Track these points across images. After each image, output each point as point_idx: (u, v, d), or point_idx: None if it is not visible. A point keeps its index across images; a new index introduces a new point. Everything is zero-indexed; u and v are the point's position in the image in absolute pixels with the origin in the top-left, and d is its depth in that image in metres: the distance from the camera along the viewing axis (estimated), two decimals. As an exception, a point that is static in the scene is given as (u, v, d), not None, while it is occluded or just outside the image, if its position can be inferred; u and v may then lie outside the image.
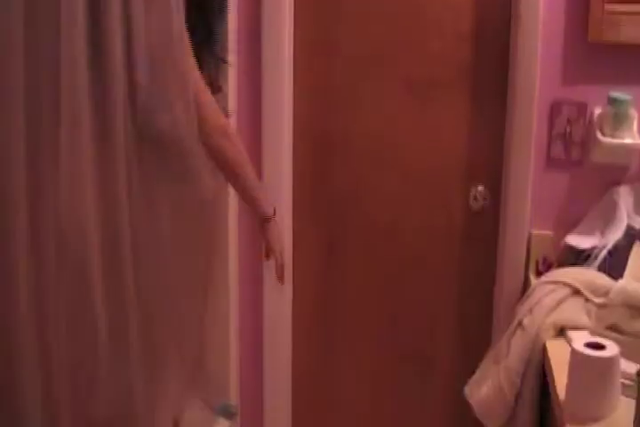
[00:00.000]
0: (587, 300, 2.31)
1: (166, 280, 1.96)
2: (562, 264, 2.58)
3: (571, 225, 2.68)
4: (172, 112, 1.88)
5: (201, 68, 2.06)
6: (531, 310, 2.33)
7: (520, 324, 2.33)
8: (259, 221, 2.37)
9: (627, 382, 1.92)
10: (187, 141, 1.93)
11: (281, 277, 2.45)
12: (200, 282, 2.15)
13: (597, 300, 2.30)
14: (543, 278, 2.45)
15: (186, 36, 1.91)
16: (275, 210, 2.38)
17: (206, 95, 2.07)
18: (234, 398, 3.01)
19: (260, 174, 2.88)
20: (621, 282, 2.31)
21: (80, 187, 1.74)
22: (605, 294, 2.30)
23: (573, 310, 2.29)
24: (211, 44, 2.25)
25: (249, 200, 2.35)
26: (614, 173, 2.67)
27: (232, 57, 2.67)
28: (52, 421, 1.79)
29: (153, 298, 1.92)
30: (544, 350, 2.24)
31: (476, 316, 2.94)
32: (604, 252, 2.48)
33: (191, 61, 1.96)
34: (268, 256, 2.43)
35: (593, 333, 2.21)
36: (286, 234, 2.94)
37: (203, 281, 2.17)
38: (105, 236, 1.79)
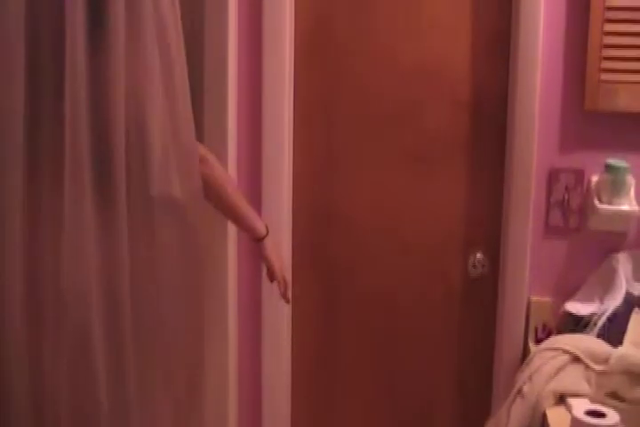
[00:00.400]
0: (586, 367, 2.29)
1: (164, 333, 1.97)
2: (561, 331, 2.57)
3: (570, 292, 2.68)
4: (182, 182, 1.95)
5: None
6: (530, 378, 2.31)
7: (520, 391, 2.31)
8: (254, 240, 2.41)
9: (628, 450, 1.90)
10: (190, 208, 1.97)
11: (284, 295, 2.46)
12: (197, 328, 2.16)
13: (597, 367, 2.28)
14: (543, 345, 2.44)
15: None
16: (267, 228, 2.42)
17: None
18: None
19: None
20: (621, 349, 2.30)
21: (82, 251, 1.75)
22: (605, 361, 2.28)
23: (573, 378, 2.27)
24: None
25: (240, 221, 2.41)
26: (613, 240, 2.67)
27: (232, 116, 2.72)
28: None
29: (151, 351, 1.93)
30: (544, 417, 2.22)
31: (476, 383, 2.91)
32: (604, 318, 2.47)
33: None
34: (271, 278, 2.44)
35: (593, 400, 2.19)
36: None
37: (200, 326, 2.18)
38: (106, 298, 1.79)
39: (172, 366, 2.01)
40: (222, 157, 2.66)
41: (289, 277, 2.49)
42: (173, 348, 2.00)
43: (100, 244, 1.79)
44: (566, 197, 2.70)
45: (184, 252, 2.02)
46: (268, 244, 2.42)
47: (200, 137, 2.33)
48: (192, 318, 2.10)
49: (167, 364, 1.98)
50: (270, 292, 2.87)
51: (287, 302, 2.49)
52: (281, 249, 2.84)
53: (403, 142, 2.87)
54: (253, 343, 2.95)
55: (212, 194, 2.24)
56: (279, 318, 2.94)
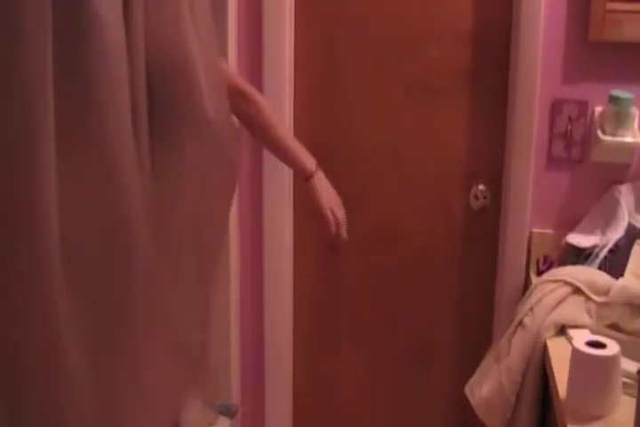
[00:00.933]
0: (587, 298, 2.31)
1: (179, 261, 1.95)
2: (563, 263, 2.58)
3: (571, 224, 2.68)
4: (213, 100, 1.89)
5: None
6: (531, 309, 2.33)
7: (521, 323, 2.33)
8: (302, 179, 2.29)
9: (627, 380, 1.92)
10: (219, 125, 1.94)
11: (339, 236, 2.31)
12: (208, 269, 2.13)
13: (598, 298, 2.30)
14: (544, 277, 2.45)
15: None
16: (316, 164, 2.29)
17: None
18: (235, 398, 3.01)
19: (260, 177, 2.88)
20: (622, 280, 2.31)
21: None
22: (606, 292, 2.30)
23: (574, 309, 2.29)
24: None
25: (285, 158, 2.30)
26: (615, 172, 2.67)
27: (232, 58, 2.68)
28: None
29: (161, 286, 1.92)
30: (545, 348, 2.24)
31: (477, 315, 2.94)
32: (605, 250, 2.48)
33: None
34: (324, 223, 2.27)
35: (593, 331, 2.21)
36: (286, 234, 2.95)
37: (210, 268, 2.13)
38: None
39: (178, 303, 2.00)
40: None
41: (342, 215, 2.33)
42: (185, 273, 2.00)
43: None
44: (569, 128, 2.69)
45: (214, 171, 1.98)
46: (317, 182, 2.28)
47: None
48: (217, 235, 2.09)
49: (173, 300, 1.98)
50: (271, 226, 2.89)
51: (344, 240, 2.35)
52: (282, 184, 2.85)
53: (405, 73, 2.85)
54: (255, 282, 2.98)
55: (256, 129, 2.21)
56: (280, 253, 2.97)
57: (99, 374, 1.73)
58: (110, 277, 1.73)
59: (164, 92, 1.81)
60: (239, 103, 2.16)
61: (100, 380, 1.74)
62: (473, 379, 2.46)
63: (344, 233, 2.32)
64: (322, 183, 2.30)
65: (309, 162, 2.29)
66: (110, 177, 1.68)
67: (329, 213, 2.28)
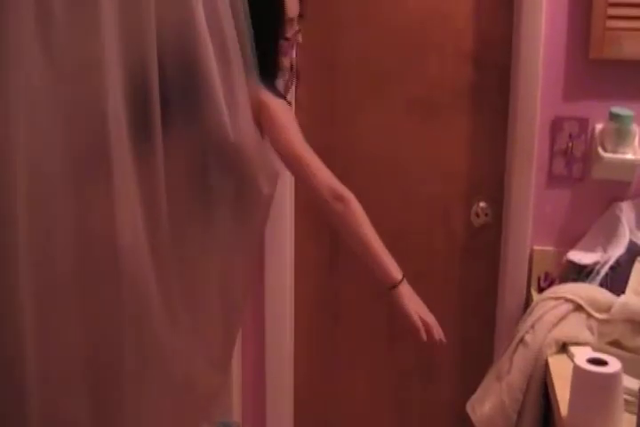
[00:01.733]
0: (589, 316, 2.30)
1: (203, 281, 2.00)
2: (564, 280, 2.57)
3: (572, 241, 2.68)
4: (240, 115, 1.93)
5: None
6: (533, 326, 2.32)
7: (522, 340, 2.32)
8: (386, 287, 2.23)
9: (629, 398, 1.91)
10: (248, 150, 1.97)
11: (434, 339, 2.26)
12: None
13: (599, 316, 2.29)
14: (545, 294, 2.45)
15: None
16: (403, 275, 2.24)
17: (312, 158, 2.14)
18: (236, 416, 3.00)
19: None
20: (623, 297, 2.31)
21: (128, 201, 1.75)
22: (607, 309, 2.29)
23: (575, 326, 2.29)
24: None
25: (372, 263, 2.23)
26: (616, 189, 2.67)
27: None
28: None
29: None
30: (546, 366, 2.23)
31: (478, 332, 2.93)
32: (606, 267, 2.48)
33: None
34: (416, 334, 2.22)
35: (595, 348, 2.20)
36: (287, 249, 2.95)
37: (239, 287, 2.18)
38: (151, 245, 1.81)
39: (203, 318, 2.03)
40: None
41: (432, 320, 2.26)
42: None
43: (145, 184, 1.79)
44: (570, 145, 2.69)
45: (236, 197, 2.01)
46: (403, 291, 2.22)
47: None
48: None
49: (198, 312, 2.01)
50: (273, 241, 2.88)
51: (442, 342, 2.28)
52: (284, 197, 2.85)
53: (406, 90, 2.86)
54: (256, 300, 2.98)
55: (346, 235, 2.22)
56: (281, 270, 2.96)
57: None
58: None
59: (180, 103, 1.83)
60: (336, 207, 2.17)
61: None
62: (474, 396, 2.45)
63: (441, 335, 2.28)
64: (407, 291, 2.24)
65: (396, 270, 2.24)
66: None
67: (418, 321, 2.23)
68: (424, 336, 2.22)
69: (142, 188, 1.78)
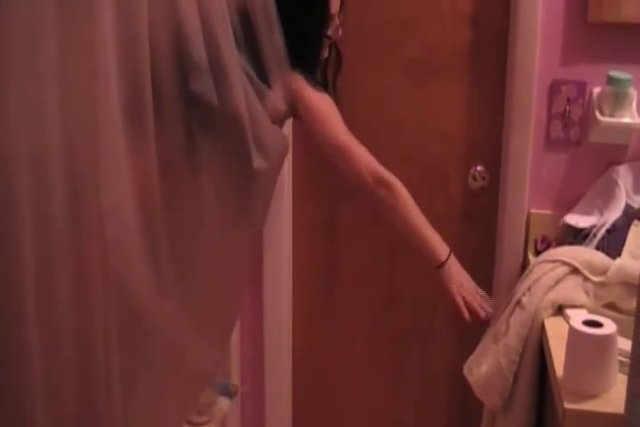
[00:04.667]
0: (585, 279, 2.31)
1: (205, 252, 1.98)
2: (560, 243, 2.59)
3: (569, 204, 2.69)
4: (229, 84, 1.93)
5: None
6: (529, 289, 2.34)
7: (519, 302, 2.34)
8: (433, 266, 2.28)
9: (624, 359, 1.93)
10: (239, 120, 1.96)
11: (479, 317, 2.32)
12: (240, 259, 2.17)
13: (595, 279, 2.31)
14: (542, 257, 2.46)
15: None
16: (449, 251, 2.29)
17: (356, 147, 2.21)
18: (234, 378, 3.02)
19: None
20: (619, 260, 2.32)
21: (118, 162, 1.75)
22: (603, 272, 2.31)
23: (571, 289, 2.30)
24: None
25: (419, 246, 2.28)
26: (613, 153, 2.67)
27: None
28: None
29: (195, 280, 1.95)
30: (542, 328, 2.25)
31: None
32: (603, 231, 2.49)
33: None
34: (463, 309, 2.28)
35: (591, 311, 2.22)
36: (285, 210, 2.96)
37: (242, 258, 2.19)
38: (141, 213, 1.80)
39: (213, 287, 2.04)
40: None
41: (473, 298, 2.31)
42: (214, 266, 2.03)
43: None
44: (568, 109, 2.69)
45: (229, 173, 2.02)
46: (450, 269, 2.28)
47: None
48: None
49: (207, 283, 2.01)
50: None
51: (489, 315, 2.34)
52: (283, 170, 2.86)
53: (403, 53, 2.85)
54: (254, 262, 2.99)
55: (392, 219, 2.24)
56: (280, 234, 2.97)
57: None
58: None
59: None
60: (380, 193, 2.21)
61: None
62: (471, 358, 2.47)
63: (485, 308, 2.32)
64: (453, 267, 2.29)
65: (442, 248, 2.28)
66: None
67: (460, 303, 2.28)
68: (467, 317, 2.29)
69: (135, 163, 1.77)
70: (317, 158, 2.93)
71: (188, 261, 1.97)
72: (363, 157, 2.22)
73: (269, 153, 2.07)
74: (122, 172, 1.73)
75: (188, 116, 1.92)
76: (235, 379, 3.02)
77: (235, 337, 2.98)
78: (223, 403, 2.92)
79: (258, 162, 2.02)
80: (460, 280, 2.30)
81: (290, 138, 2.91)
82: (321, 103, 2.22)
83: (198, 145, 1.95)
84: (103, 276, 1.71)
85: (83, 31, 1.63)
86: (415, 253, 2.32)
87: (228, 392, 2.93)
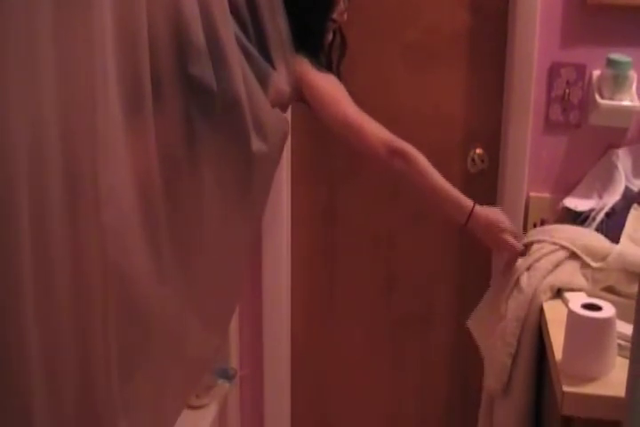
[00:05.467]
0: (584, 264, 2.31)
1: (205, 239, 1.97)
2: (560, 227, 2.59)
3: (569, 187, 2.69)
4: (228, 69, 1.91)
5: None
6: (529, 269, 2.32)
7: (517, 284, 2.33)
8: (461, 218, 2.28)
9: (622, 342, 1.93)
10: (238, 104, 1.94)
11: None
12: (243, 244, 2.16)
13: (594, 264, 2.30)
14: (541, 234, 2.42)
15: None
16: (473, 203, 2.28)
17: (367, 121, 2.20)
18: (233, 361, 3.03)
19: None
20: (619, 247, 2.31)
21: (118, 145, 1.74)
22: (603, 258, 2.30)
23: (570, 273, 2.30)
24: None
25: (444, 201, 2.28)
26: (613, 136, 2.67)
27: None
28: None
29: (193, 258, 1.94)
30: (541, 311, 2.25)
31: (475, 278, 2.95)
32: (602, 214, 2.49)
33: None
34: (516, 245, 2.31)
35: (589, 294, 2.22)
36: (284, 197, 2.95)
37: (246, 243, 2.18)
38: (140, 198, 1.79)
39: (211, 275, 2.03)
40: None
41: (511, 236, 2.32)
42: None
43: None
44: (567, 92, 2.68)
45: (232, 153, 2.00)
46: (481, 214, 2.27)
47: None
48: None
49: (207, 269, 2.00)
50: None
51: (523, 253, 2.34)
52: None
53: (402, 37, 2.83)
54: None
55: (411, 186, 2.26)
56: (278, 219, 2.97)
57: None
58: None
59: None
60: (395, 164, 2.20)
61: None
62: (474, 313, 2.48)
63: (520, 246, 2.35)
64: (481, 218, 2.29)
65: (466, 198, 2.28)
66: None
67: (508, 238, 2.32)
68: (520, 248, 2.32)
69: (134, 150, 1.77)
70: (316, 143, 2.95)
71: (188, 249, 1.97)
72: (374, 130, 2.21)
73: (268, 136, 2.06)
74: (120, 159, 1.72)
75: (188, 102, 1.91)
76: (234, 363, 3.03)
77: (234, 322, 2.98)
78: (222, 386, 2.92)
79: (257, 145, 2.02)
80: (497, 217, 2.31)
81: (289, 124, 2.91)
82: (326, 84, 2.21)
83: (198, 131, 1.93)
84: (101, 263, 1.71)
85: (81, 20, 1.61)
86: (440, 214, 2.35)
87: (227, 376, 2.94)
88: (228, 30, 1.95)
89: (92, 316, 1.71)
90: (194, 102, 1.91)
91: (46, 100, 1.55)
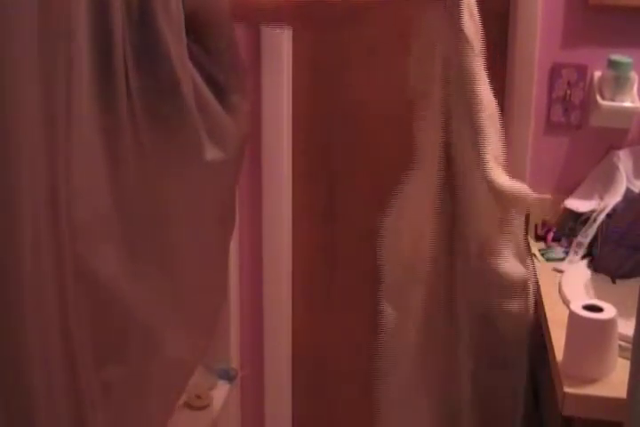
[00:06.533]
0: None
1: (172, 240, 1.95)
2: (561, 228, 2.59)
3: (570, 189, 2.69)
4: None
5: None
6: None
7: None
8: None
9: (624, 344, 1.93)
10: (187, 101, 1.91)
11: None
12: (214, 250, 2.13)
13: None
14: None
15: None
16: None
17: None
18: (234, 362, 3.03)
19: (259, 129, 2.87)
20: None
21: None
22: None
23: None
24: None
25: None
26: (614, 137, 2.66)
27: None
28: None
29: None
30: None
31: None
32: (603, 215, 2.49)
33: None
34: None
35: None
36: (284, 198, 2.95)
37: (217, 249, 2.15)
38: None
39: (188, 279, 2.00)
40: None
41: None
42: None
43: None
44: (568, 92, 2.68)
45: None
46: None
47: None
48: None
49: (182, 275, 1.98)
50: (270, 191, 2.89)
51: None
52: (284, 136, 2.86)
53: (401, 33, 2.83)
54: (254, 247, 2.99)
55: None
56: (279, 215, 2.97)
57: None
58: None
59: None
60: None
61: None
62: None
63: None
64: None
65: None
66: None
67: None
68: None
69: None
70: (316, 143, 2.95)
71: (162, 248, 1.94)
72: None
73: (226, 144, 2.01)
74: (93, 156, 1.71)
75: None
76: (234, 363, 3.03)
77: (234, 321, 2.99)
78: (223, 387, 2.92)
79: (212, 154, 1.97)
80: None
81: (290, 119, 2.92)
82: None
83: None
84: (71, 260, 1.70)
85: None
86: None
87: (228, 376, 2.94)
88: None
89: (60, 313, 1.70)
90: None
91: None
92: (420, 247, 2.44)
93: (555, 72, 2.67)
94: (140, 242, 1.85)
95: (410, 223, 2.47)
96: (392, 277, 2.52)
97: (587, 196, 2.63)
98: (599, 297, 2.16)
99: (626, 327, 1.95)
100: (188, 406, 2.73)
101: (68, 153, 1.65)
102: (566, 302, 2.21)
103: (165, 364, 1.97)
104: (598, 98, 2.57)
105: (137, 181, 1.83)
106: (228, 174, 2.10)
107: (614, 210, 2.49)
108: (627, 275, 2.40)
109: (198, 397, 2.80)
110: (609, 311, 1.92)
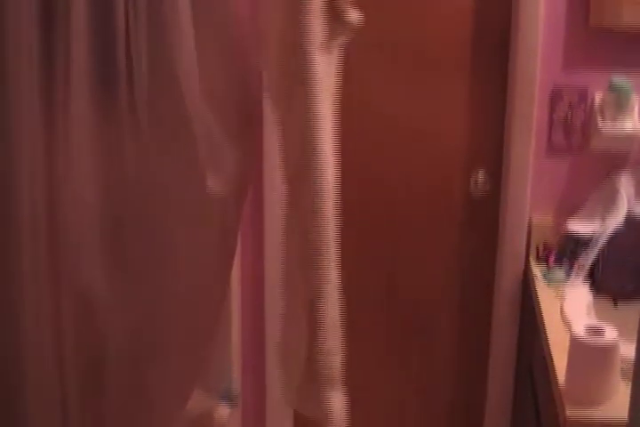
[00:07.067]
0: None
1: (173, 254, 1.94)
2: (562, 250, 2.59)
3: (571, 211, 2.69)
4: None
5: None
6: None
7: None
8: None
9: (626, 367, 1.93)
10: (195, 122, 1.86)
11: None
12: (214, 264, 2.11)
13: None
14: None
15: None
16: None
17: None
18: (235, 384, 3.02)
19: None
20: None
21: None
22: None
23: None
24: None
25: None
26: (615, 160, 2.67)
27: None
28: None
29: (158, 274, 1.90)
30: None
31: (477, 301, 2.94)
32: (604, 238, 2.49)
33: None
34: None
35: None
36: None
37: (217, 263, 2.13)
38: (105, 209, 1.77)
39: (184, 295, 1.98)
40: None
41: None
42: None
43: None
44: (569, 115, 2.69)
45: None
46: None
47: None
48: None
49: (176, 292, 1.96)
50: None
51: None
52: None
53: (404, 57, 2.84)
54: (256, 266, 2.99)
55: None
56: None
57: None
58: None
59: None
60: None
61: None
62: None
63: None
64: None
65: None
66: None
67: None
68: None
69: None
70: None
71: (150, 264, 1.92)
72: None
73: (228, 178, 1.98)
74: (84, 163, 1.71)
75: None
76: (235, 383, 3.02)
77: (235, 339, 2.98)
78: (224, 409, 2.91)
79: (216, 187, 1.93)
80: None
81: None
82: None
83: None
84: (57, 276, 1.69)
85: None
86: None
87: (229, 397, 2.93)
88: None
89: (49, 327, 1.69)
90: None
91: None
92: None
93: (556, 94, 2.68)
94: (136, 252, 1.84)
95: None
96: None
97: (588, 218, 2.63)
98: (601, 320, 2.16)
99: (627, 350, 1.95)
100: (190, 427, 2.72)
101: (67, 153, 1.66)
102: (568, 325, 2.21)
103: (162, 373, 1.95)
104: (599, 121, 2.58)
105: (136, 183, 1.83)
106: (225, 212, 2.07)
107: (615, 232, 2.49)
108: (628, 297, 2.40)
109: (200, 416, 2.79)
110: (611, 334, 1.91)
